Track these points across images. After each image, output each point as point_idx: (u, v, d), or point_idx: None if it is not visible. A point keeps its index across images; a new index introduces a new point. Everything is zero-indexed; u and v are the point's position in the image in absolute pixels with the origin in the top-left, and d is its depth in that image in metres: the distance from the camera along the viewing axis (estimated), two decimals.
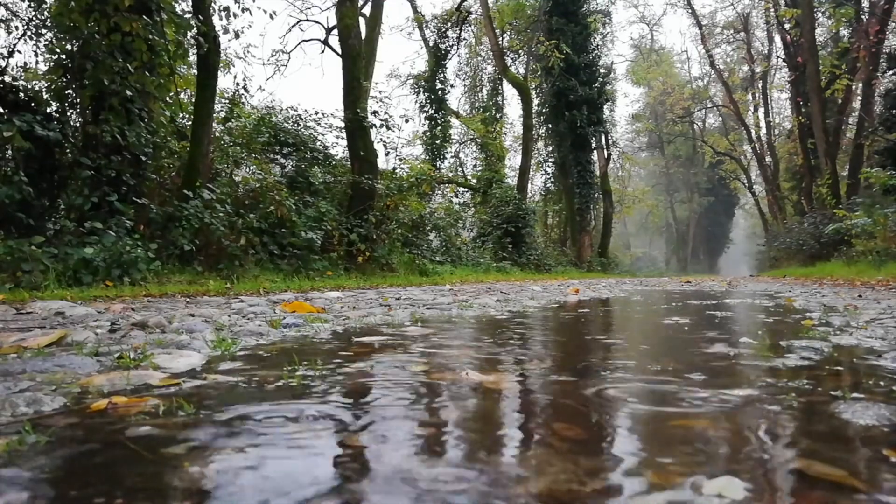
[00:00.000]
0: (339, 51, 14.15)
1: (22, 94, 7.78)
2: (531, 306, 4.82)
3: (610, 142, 32.10)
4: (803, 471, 0.88)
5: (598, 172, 29.75)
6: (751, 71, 36.41)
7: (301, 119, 14.48)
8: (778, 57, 34.46)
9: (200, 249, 8.62)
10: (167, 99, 10.14)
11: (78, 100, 8.10)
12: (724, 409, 1.26)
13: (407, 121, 21.49)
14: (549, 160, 31.22)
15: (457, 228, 19.99)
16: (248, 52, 21.79)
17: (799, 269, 20.17)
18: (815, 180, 23.83)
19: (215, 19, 10.00)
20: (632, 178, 49.09)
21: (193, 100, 10.77)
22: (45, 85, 8.34)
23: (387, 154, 21.36)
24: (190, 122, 10.48)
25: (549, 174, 31.90)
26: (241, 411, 1.23)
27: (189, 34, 9.43)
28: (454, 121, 29.64)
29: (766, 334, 2.68)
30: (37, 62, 8.98)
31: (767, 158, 35.61)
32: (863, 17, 22.65)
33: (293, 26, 23.76)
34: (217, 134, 11.98)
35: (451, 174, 28.93)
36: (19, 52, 8.70)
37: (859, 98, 24.15)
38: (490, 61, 30.20)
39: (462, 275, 15.06)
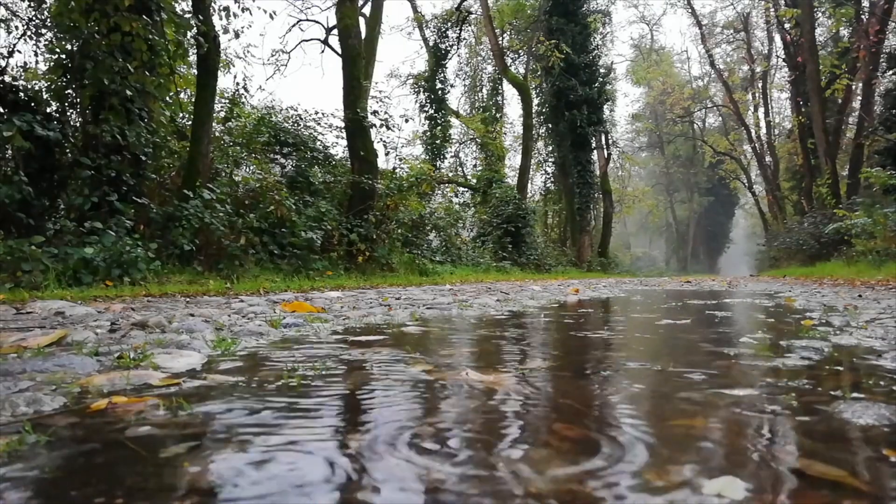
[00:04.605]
0: (339, 51, 14.14)
1: (22, 94, 7.77)
2: (531, 306, 4.82)
3: (610, 142, 32.11)
4: (803, 470, 0.88)
5: (598, 172, 29.75)
6: (751, 71, 36.42)
7: (301, 119, 14.49)
8: (778, 57, 34.51)
9: (200, 249, 8.62)
10: (167, 99, 10.15)
11: (78, 100, 8.10)
12: (724, 408, 1.26)
13: (407, 121, 21.56)
14: (549, 160, 31.25)
15: (457, 228, 19.98)
16: (248, 51, 21.85)
17: (799, 268, 20.16)
18: (815, 180, 23.83)
19: (215, 19, 10.01)
20: (632, 178, 49.11)
21: (193, 100, 10.77)
22: (45, 85, 8.34)
23: (387, 154, 21.40)
24: (190, 122, 10.48)
25: (549, 174, 31.92)
26: (241, 411, 1.23)
27: (189, 34, 9.43)
28: (454, 121, 29.66)
29: (766, 334, 2.68)
30: (37, 62, 8.99)
31: (767, 158, 35.62)
32: (863, 17, 22.64)
33: (293, 26, 23.76)
34: (217, 134, 11.98)
35: (451, 174, 28.94)
36: (19, 52, 8.71)
37: (859, 98, 24.15)
38: (490, 61, 30.22)
39: (462, 275, 15.06)
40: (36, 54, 8.94)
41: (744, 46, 35.32)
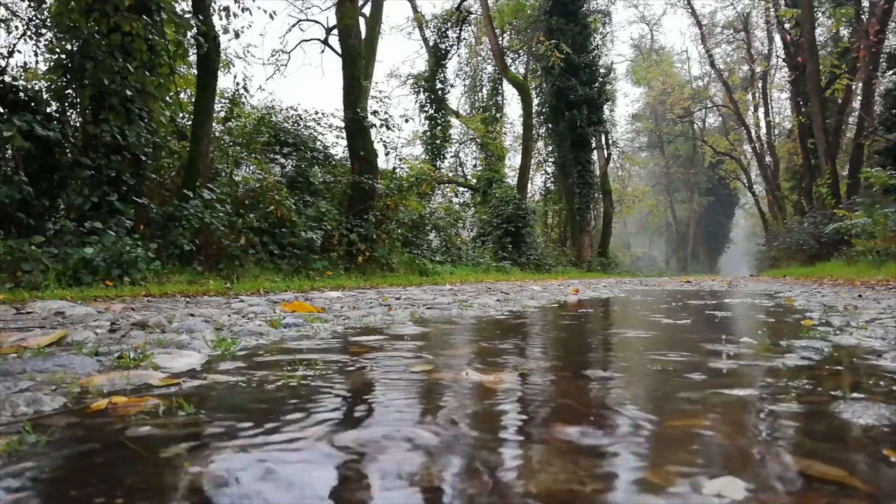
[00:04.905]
0: (339, 51, 14.14)
1: (22, 94, 7.78)
2: (531, 306, 4.82)
3: (610, 142, 32.12)
4: (803, 470, 0.88)
5: (598, 172, 29.75)
6: (751, 71, 36.42)
7: (301, 119, 14.49)
8: (778, 57, 34.52)
9: (200, 249, 8.62)
10: (167, 99, 10.15)
11: (78, 100, 8.10)
12: (724, 408, 1.26)
13: (407, 121, 21.55)
14: (549, 160, 31.26)
15: (457, 228, 19.97)
16: (248, 51, 21.85)
17: (799, 268, 20.16)
18: (815, 180, 23.84)
19: (215, 19, 10.01)
20: (632, 178, 49.12)
21: (193, 100, 10.77)
22: (45, 85, 8.34)
23: (387, 154, 21.40)
24: (190, 122, 10.48)
25: (549, 174, 31.93)
26: (241, 411, 1.23)
27: (189, 34, 9.43)
28: (454, 120, 29.66)
29: (767, 334, 2.68)
30: (37, 62, 8.99)
31: (767, 158, 35.62)
32: (863, 17, 22.64)
33: (293, 26, 23.74)
34: (217, 134, 11.98)
35: (451, 174, 28.95)
36: (19, 52, 8.71)
37: (859, 98, 24.15)
38: (490, 61, 30.22)
39: (462, 275, 15.05)
40: (36, 54, 8.95)
41: (744, 46, 35.33)
